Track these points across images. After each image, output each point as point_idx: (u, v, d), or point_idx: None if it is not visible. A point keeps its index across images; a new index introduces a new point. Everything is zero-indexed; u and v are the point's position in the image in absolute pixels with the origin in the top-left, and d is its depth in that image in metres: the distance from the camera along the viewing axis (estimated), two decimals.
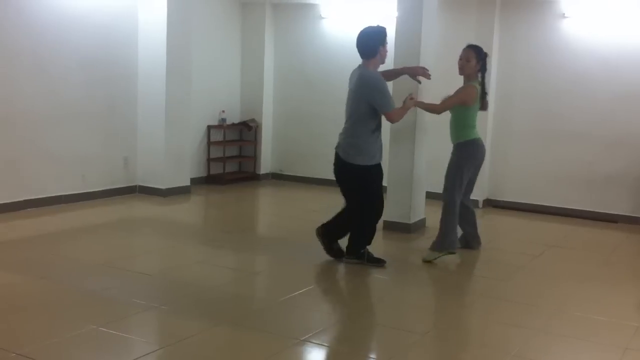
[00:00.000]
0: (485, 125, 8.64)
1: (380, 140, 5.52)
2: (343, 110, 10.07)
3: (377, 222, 5.73)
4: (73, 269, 5.28)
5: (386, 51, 5.48)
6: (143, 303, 4.46)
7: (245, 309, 4.60)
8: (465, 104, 5.86)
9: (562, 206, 8.37)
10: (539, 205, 8.52)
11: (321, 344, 3.98)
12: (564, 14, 8.25)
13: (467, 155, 5.90)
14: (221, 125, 9.84)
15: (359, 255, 5.62)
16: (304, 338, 4.02)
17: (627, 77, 7.96)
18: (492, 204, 8.79)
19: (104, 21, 8.01)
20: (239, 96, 10.32)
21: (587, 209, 8.23)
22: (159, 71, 8.37)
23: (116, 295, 4.65)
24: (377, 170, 5.56)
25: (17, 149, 7.14)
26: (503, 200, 8.77)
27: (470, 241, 6.38)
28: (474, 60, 5.91)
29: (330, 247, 5.74)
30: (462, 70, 5.99)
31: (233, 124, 10.05)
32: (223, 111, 9.90)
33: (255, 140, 10.25)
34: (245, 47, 10.28)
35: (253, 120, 10.18)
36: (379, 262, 5.63)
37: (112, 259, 5.52)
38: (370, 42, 5.39)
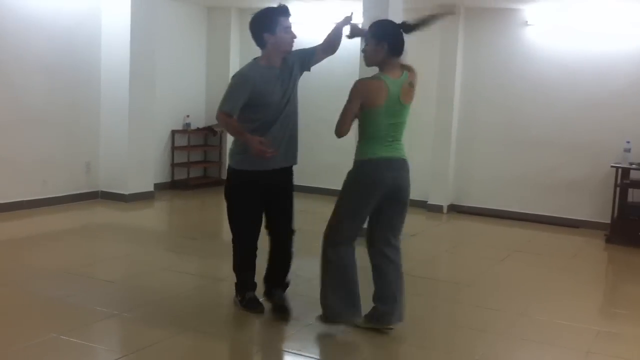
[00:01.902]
0: (450, 131, 8.74)
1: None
2: (306, 114, 10.09)
3: (248, 258, 4.52)
4: (34, 276, 5.17)
5: (282, 37, 4.20)
6: (105, 310, 4.39)
7: (209, 316, 4.55)
8: (366, 106, 3.97)
9: (525, 211, 8.49)
10: (502, 210, 8.62)
11: (287, 351, 3.98)
12: (527, 22, 8.37)
13: (354, 181, 4.12)
14: (185, 130, 9.76)
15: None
16: (270, 344, 4.00)
17: (588, 84, 8.10)
18: (456, 209, 8.87)
19: (66, 25, 7.90)
20: (204, 101, 10.25)
21: (549, 214, 8.35)
22: (123, 76, 8.27)
23: (78, 303, 4.57)
24: (245, 180, 4.32)
25: None
26: (467, 206, 8.86)
27: (383, 315, 4.16)
28: (373, 42, 4.04)
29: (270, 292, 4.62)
30: (365, 61, 4.21)
31: (198, 129, 9.98)
32: (187, 116, 9.83)
33: (220, 145, 10.19)
34: (211, 51, 10.22)
35: (218, 125, 10.10)
36: (252, 307, 4.46)
37: (74, 266, 5.43)
38: (253, 30, 4.32)
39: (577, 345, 4.25)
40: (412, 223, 7.86)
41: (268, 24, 4.22)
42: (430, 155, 8.83)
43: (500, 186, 8.69)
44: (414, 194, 9.09)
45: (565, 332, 4.49)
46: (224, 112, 4.19)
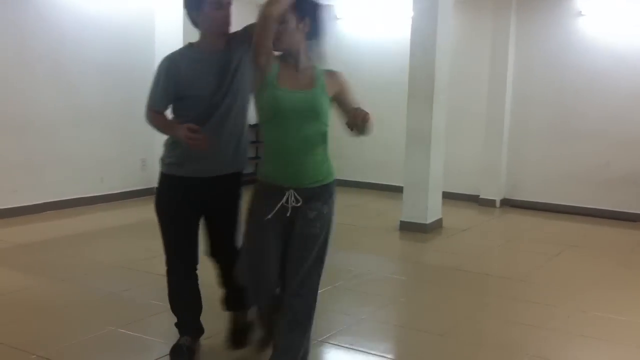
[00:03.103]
0: (502, 125, 8.62)
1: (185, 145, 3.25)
2: None
3: (180, 294, 3.69)
4: (92, 271, 5.32)
5: (209, 14, 3.28)
6: (160, 304, 4.47)
7: None
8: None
9: (580, 205, 8.31)
10: (556, 204, 8.46)
11: (338, 345, 3.99)
12: (580, 11, 8.19)
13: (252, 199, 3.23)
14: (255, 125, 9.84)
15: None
16: (321, 339, 4.03)
17: None
18: (509, 204, 8.75)
19: (122, 25, 8.07)
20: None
21: (605, 208, 8.16)
22: None
23: (134, 297, 4.69)
24: (169, 188, 3.49)
25: (37, 152, 7.21)
26: (520, 200, 8.72)
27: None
28: (294, 19, 3.08)
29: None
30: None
31: (250, 125, 10.03)
32: None
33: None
34: None
35: None
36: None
37: (130, 261, 5.56)
38: (184, 6, 3.42)
39: (635, 342, 4.15)
40: (464, 218, 7.84)
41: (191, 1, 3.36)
42: (481, 149, 8.72)
43: (554, 180, 8.53)
44: (465, 188, 9.09)
45: (623, 328, 4.39)
46: (148, 107, 3.39)
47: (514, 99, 8.69)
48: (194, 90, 3.30)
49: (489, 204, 8.64)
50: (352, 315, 4.53)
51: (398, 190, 7.45)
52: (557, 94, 8.45)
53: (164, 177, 3.49)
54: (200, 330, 3.74)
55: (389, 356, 3.98)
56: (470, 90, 8.79)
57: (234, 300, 3.71)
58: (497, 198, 8.67)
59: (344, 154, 9.80)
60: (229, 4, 3.31)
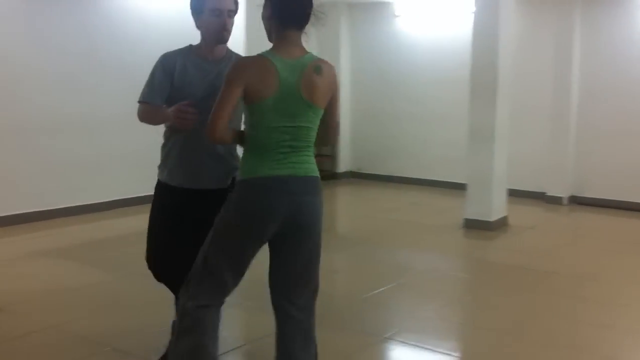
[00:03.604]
0: (568, 120, 8.42)
1: (180, 151, 3.23)
2: (418, 108, 10.03)
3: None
4: None
5: (208, 21, 3.22)
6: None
7: (325, 306, 4.61)
8: (249, 98, 2.69)
9: None
10: (626, 201, 8.21)
11: (403, 342, 3.98)
12: None
13: (233, 209, 2.78)
14: None
15: None
16: (386, 335, 4.04)
17: None
18: (577, 201, 8.53)
19: (186, 26, 8.21)
20: None
21: None
22: None
23: None
24: (162, 194, 3.38)
25: (106, 151, 7.41)
26: (589, 197, 8.50)
27: None
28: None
29: None
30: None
31: None
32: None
33: None
34: (321, 47, 10.32)
35: None
36: None
37: None
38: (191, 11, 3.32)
39: None
40: (530, 215, 7.71)
41: (194, 2, 3.28)
42: (547, 145, 8.54)
43: (623, 176, 8.27)
44: (531, 185, 8.94)
45: None
46: (140, 102, 3.32)
47: (580, 94, 8.48)
48: (184, 92, 3.17)
49: (555, 201, 8.45)
50: (416, 312, 4.51)
51: (461, 187, 7.38)
52: (626, 89, 8.20)
53: (158, 184, 3.41)
54: None
55: (455, 354, 3.95)
56: (534, 85, 8.62)
57: None
58: (564, 195, 8.47)
59: (407, 152, 9.80)
60: (229, 12, 3.20)
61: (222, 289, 2.85)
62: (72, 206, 7.12)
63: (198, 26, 3.29)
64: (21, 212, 6.72)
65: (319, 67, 2.68)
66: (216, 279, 2.79)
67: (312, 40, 8.79)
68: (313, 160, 2.80)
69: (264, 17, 2.77)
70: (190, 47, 3.37)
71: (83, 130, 7.21)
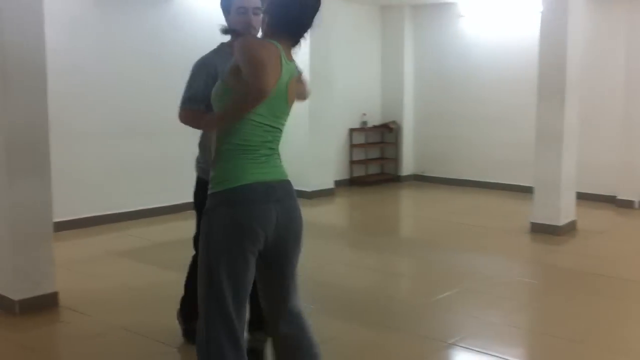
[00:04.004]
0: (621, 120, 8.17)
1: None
2: (483, 110, 9.91)
3: None
4: None
5: (234, 19, 3.35)
6: (310, 306, 4.60)
7: (390, 310, 4.64)
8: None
9: None
10: None
11: (468, 348, 3.95)
12: None
13: (214, 223, 2.56)
14: (363, 128, 9.96)
15: None
16: (451, 341, 4.01)
17: None
18: None
19: None
20: (380, 98, 10.40)
21: None
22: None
23: None
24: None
25: (175, 155, 7.56)
26: None
27: None
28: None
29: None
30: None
31: (374, 127, 10.14)
32: (364, 114, 10.02)
33: (396, 142, 10.28)
34: (386, 49, 10.34)
35: (394, 122, 10.22)
36: None
37: None
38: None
39: None
40: (600, 220, 7.52)
41: (223, 2, 3.43)
42: (618, 148, 8.30)
43: None
44: (601, 188, 8.71)
45: None
46: (180, 107, 3.50)
47: None
48: None
49: (626, 204, 8.20)
50: (481, 318, 4.47)
51: (528, 190, 7.26)
52: None
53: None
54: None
55: None
56: (604, 86, 8.39)
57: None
58: (636, 199, 8.21)
59: (472, 154, 9.69)
60: (254, 10, 3.27)
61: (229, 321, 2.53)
62: (144, 209, 7.31)
63: (228, 25, 3.35)
64: (96, 214, 6.95)
65: (299, 74, 2.71)
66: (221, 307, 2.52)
67: (375, 43, 8.82)
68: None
69: (263, 21, 2.63)
70: (222, 46, 3.50)
71: (154, 133, 7.40)
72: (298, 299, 2.74)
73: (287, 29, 2.55)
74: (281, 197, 2.58)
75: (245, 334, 2.89)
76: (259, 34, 3.05)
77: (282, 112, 2.59)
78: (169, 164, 7.54)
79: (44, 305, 4.41)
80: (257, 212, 2.51)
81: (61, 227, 6.29)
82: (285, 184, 2.63)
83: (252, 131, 2.51)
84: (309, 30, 2.59)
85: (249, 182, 2.50)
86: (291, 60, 2.58)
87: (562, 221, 6.77)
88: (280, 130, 2.63)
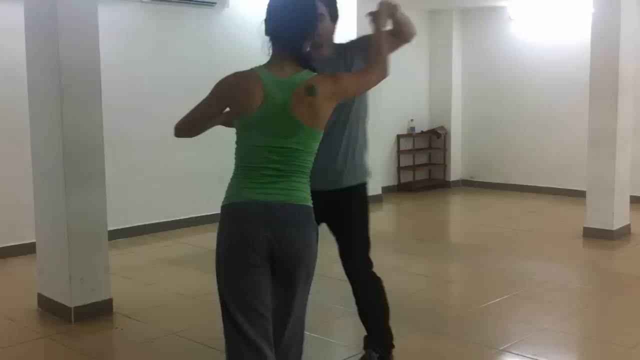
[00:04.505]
0: None
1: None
2: (534, 113, 9.76)
3: None
4: None
5: None
6: (342, 308, 4.63)
7: (440, 316, 4.62)
8: (234, 112, 2.63)
9: None
10: None
11: (520, 355, 3.90)
12: None
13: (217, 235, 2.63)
14: (410, 134, 9.93)
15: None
16: (502, 348, 3.97)
17: None
18: None
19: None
20: (428, 104, 10.35)
21: None
22: None
23: (318, 300, 4.86)
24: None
25: (225, 163, 7.63)
26: None
27: None
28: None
29: None
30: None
31: (422, 132, 10.09)
32: (412, 120, 9.98)
33: (444, 148, 10.22)
34: (433, 54, 10.29)
35: (442, 127, 10.15)
36: None
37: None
38: None
39: None
40: None
41: None
42: None
43: None
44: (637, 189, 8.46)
45: None
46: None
47: None
48: None
49: None
50: (534, 324, 4.40)
51: (581, 195, 7.12)
52: None
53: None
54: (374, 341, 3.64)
55: None
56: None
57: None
58: None
59: (522, 158, 9.56)
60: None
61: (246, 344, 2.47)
62: (195, 216, 7.42)
63: None
64: (149, 222, 7.09)
65: (312, 88, 2.42)
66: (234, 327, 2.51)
67: (423, 48, 8.83)
68: (305, 187, 2.53)
69: (262, 32, 2.63)
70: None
71: (205, 144, 7.49)
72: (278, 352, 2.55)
73: (276, 41, 2.52)
74: (277, 219, 2.45)
75: None
76: (326, 41, 3.23)
77: (289, 130, 2.44)
78: (220, 172, 7.61)
79: (99, 312, 4.52)
80: (245, 229, 2.47)
81: (115, 235, 6.44)
82: (287, 208, 2.47)
83: (251, 153, 2.50)
84: (304, 37, 2.52)
85: (244, 200, 2.49)
86: (289, 74, 2.45)
87: (616, 225, 6.62)
88: (293, 149, 2.46)
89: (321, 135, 2.53)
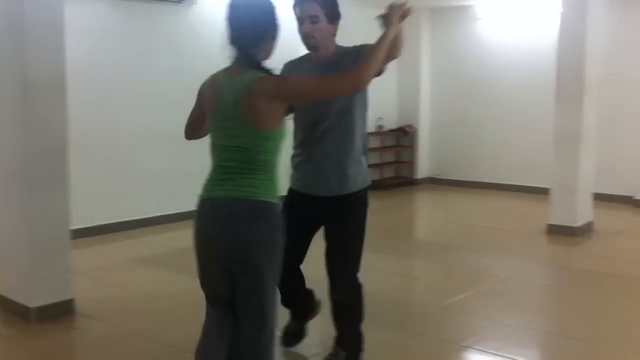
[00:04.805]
0: None
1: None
2: (500, 112, 9.83)
3: None
4: None
5: (299, 31, 3.31)
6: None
7: (405, 313, 4.64)
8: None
9: None
10: None
11: (483, 350, 3.94)
12: None
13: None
14: (378, 132, 9.96)
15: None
16: (465, 344, 4.01)
17: None
18: None
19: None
20: (396, 102, 10.39)
21: None
22: None
23: None
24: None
25: (193, 161, 7.57)
26: None
27: None
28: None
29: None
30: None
31: (390, 130, 10.13)
32: (380, 118, 10.02)
33: (412, 146, 10.27)
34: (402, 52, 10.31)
35: (410, 125, 10.21)
36: None
37: None
38: None
39: None
40: (617, 220, 7.46)
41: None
42: (635, 148, 8.25)
43: None
44: (619, 189, 8.64)
45: None
46: None
47: None
48: None
49: None
50: (497, 320, 4.45)
51: (544, 192, 7.22)
52: None
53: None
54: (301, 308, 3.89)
55: None
56: (623, 87, 8.33)
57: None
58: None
59: (488, 157, 9.66)
60: (311, 18, 3.21)
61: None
62: (161, 215, 7.36)
63: None
64: (114, 221, 7.00)
65: (251, 88, 2.52)
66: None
67: None
68: (262, 185, 2.59)
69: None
70: (308, 55, 3.44)
71: (172, 143, 7.41)
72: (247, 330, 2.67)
73: (232, 46, 2.65)
74: (229, 214, 2.58)
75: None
76: (322, 42, 3.22)
77: (238, 130, 2.57)
78: (186, 171, 7.57)
79: (60, 312, 4.44)
80: (201, 224, 2.67)
81: (80, 234, 6.36)
82: (238, 203, 2.57)
83: (213, 151, 2.69)
84: (255, 43, 2.61)
85: (204, 197, 2.68)
86: (239, 76, 2.57)
87: (579, 222, 6.72)
88: (244, 149, 2.57)
89: (275, 134, 2.59)
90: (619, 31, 8.30)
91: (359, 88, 2.76)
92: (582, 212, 6.78)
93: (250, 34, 2.62)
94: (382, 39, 2.83)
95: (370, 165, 10.40)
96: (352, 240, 3.53)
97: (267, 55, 2.68)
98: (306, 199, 3.42)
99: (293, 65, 3.45)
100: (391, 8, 2.96)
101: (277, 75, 2.69)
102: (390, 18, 2.90)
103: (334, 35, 3.34)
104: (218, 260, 2.65)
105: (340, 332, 3.65)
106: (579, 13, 6.55)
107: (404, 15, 3.00)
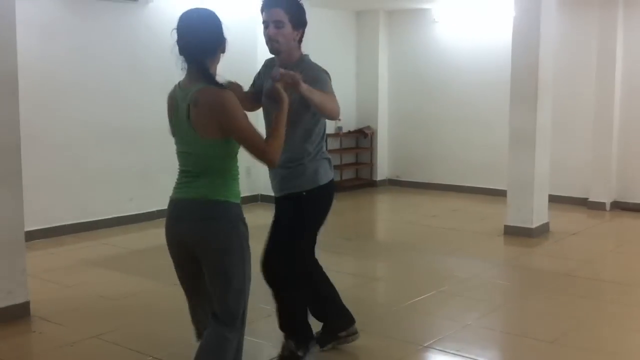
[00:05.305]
0: (612, 124, 8.28)
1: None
2: (458, 114, 9.92)
3: None
4: None
5: (265, 34, 3.46)
6: (268, 308, 4.59)
7: (366, 314, 4.64)
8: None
9: None
10: None
11: (444, 351, 3.97)
12: None
13: None
14: (338, 134, 9.96)
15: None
16: (427, 344, 4.03)
17: None
18: (620, 206, 8.36)
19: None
20: (355, 104, 10.41)
21: None
22: None
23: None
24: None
25: (151, 161, 7.49)
26: (633, 202, 8.33)
27: None
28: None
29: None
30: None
31: (349, 132, 10.15)
32: (339, 119, 10.01)
33: (371, 147, 10.31)
34: (360, 54, 10.36)
35: (369, 127, 10.24)
36: None
37: None
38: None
39: None
40: (572, 221, 7.60)
41: None
42: (589, 150, 8.41)
43: None
44: (573, 191, 8.79)
45: None
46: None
47: (624, 97, 8.33)
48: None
49: (598, 207, 8.30)
50: (457, 320, 4.49)
51: (502, 194, 7.32)
52: None
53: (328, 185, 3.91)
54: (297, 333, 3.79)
55: None
56: (576, 88, 8.50)
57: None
58: (607, 200, 8.32)
59: (446, 158, 9.75)
60: (276, 23, 3.31)
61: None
62: (118, 216, 7.24)
63: None
64: (69, 222, 6.86)
65: (195, 98, 2.67)
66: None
67: (350, 48, 8.85)
68: (217, 187, 2.76)
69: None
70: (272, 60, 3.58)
71: (128, 142, 7.33)
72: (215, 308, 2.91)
73: (183, 57, 2.76)
74: (187, 214, 2.80)
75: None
76: (286, 47, 3.34)
77: (190, 137, 2.73)
78: (143, 171, 7.47)
79: (16, 315, 4.35)
80: (167, 225, 2.88)
81: (34, 235, 6.22)
82: (190, 203, 2.78)
83: (177, 157, 2.87)
84: (209, 57, 2.74)
85: (170, 198, 2.88)
86: (190, 86, 2.72)
87: (535, 223, 6.83)
88: (192, 154, 2.77)
89: (222, 142, 2.71)
90: (571, 32, 8.45)
91: (267, 162, 2.89)
92: (538, 213, 6.89)
93: (201, 46, 2.72)
94: (276, 119, 2.88)
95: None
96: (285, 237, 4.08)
97: (215, 65, 2.80)
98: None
99: (265, 66, 3.60)
100: (273, 79, 3.04)
101: (221, 98, 2.68)
102: (279, 94, 2.92)
103: (299, 41, 3.39)
104: (184, 257, 2.86)
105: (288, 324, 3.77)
106: (532, 16, 6.65)
107: (293, 84, 3.03)
